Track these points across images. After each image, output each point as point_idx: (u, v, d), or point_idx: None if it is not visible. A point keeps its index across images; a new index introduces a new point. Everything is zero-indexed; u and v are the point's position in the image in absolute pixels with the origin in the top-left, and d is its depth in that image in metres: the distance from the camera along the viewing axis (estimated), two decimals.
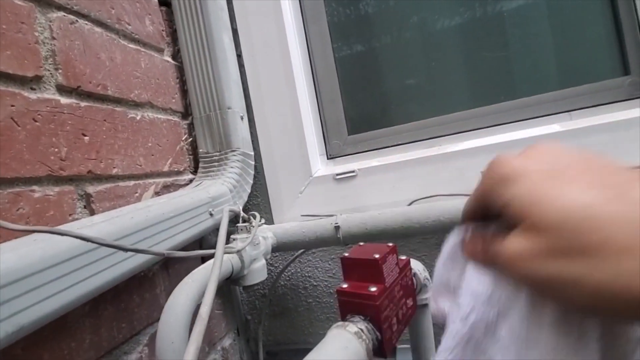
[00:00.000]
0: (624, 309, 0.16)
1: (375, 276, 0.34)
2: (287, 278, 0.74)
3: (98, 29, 0.53)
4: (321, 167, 0.73)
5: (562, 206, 0.17)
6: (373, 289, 0.33)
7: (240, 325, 0.76)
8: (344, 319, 0.35)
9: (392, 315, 0.35)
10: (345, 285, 0.35)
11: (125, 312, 0.49)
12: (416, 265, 0.45)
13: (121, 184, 0.52)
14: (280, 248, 0.64)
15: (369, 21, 0.75)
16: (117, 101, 0.55)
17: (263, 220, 0.70)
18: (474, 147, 0.61)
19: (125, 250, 0.29)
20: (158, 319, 0.40)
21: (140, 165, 0.56)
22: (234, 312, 0.75)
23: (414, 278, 0.43)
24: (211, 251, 0.36)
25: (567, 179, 0.18)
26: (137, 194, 0.55)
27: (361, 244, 0.40)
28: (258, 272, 0.55)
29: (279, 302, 0.75)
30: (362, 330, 0.31)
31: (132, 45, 0.59)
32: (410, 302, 0.40)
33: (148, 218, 0.41)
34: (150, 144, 0.59)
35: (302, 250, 0.69)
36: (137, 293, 0.52)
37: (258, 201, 0.74)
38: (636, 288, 0.15)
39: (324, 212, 0.66)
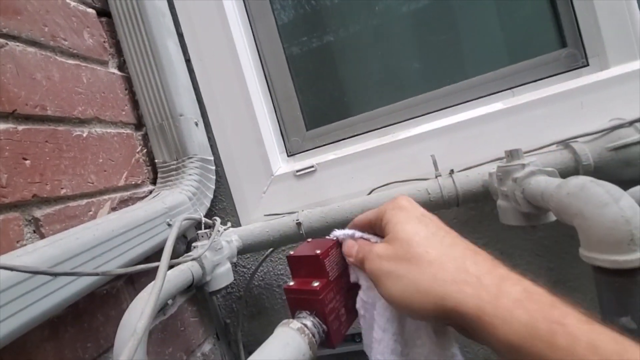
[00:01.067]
0: (426, 307, 0.24)
1: (319, 271, 0.35)
2: (261, 278, 0.74)
3: (31, 49, 0.52)
4: (282, 165, 0.73)
5: (407, 230, 0.27)
6: (316, 284, 0.34)
7: (219, 329, 0.77)
8: (293, 316, 0.36)
9: (339, 306, 0.36)
10: (291, 283, 0.36)
11: (89, 332, 0.49)
12: None
13: (72, 204, 0.52)
14: (247, 250, 0.65)
15: (317, 16, 0.75)
16: (59, 120, 0.53)
17: (229, 224, 0.70)
18: (425, 132, 0.63)
19: (55, 275, 0.29)
20: None
21: (92, 183, 0.56)
22: (212, 317, 0.75)
23: None
24: (155, 264, 0.36)
25: (422, 221, 0.28)
26: (91, 212, 0.54)
27: (309, 240, 0.41)
28: (223, 276, 0.55)
29: (256, 303, 0.76)
30: (305, 325, 0.32)
31: (70, 61, 0.58)
32: None
33: (95, 237, 0.41)
34: (101, 160, 0.58)
35: (271, 249, 0.69)
36: (100, 312, 0.52)
37: (224, 205, 0.74)
38: (433, 292, 0.23)
39: (288, 210, 0.67)
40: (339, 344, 0.35)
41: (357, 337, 0.70)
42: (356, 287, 0.40)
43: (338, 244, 0.38)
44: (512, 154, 0.44)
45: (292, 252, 0.38)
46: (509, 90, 0.63)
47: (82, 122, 0.57)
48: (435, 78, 0.69)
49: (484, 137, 0.60)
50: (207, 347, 0.72)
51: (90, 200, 0.55)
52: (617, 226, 0.26)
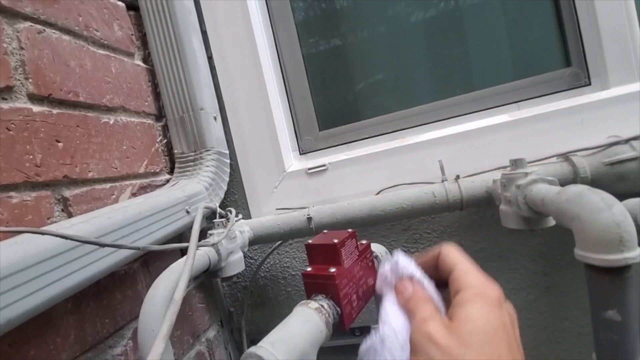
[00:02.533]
0: None
1: (335, 259, 0.38)
2: (267, 269, 0.77)
3: (66, 37, 0.55)
4: (294, 162, 0.76)
5: (474, 331, 0.25)
6: (332, 270, 0.37)
7: (223, 317, 0.79)
8: (309, 298, 0.39)
9: (351, 292, 0.39)
10: (309, 269, 0.39)
11: (108, 309, 0.52)
12: (378, 249, 0.49)
13: (97, 186, 0.54)
14: (257, 241, 0.68)
15: (335, 19, 0.79)
16: (90, 107, 0.56)
17: (240, 216, 0.73)
18: (434, 138, 0.66)
19: (103, 245, 0.32)
20: None
21: (116, 168, 0.58)
22: (217, 305, 0.78)
23: (375, 260, 0.48)
24: (186, 244, 0.39)
25: (494, 322, 0.26)
26: (113, 196, 0.57)
27: (325, 231, 0.44)
28: (235, 264, 0.58)
29: (260, 293, 0.78)
30: (322, 306, 0.35)
31: (101, 51, 0.60)
32: (371, 281, 0.44)
33: (125, 217, 0.44)
34: (125, 147, 0.61)
35: (279, 242, 0.72)
36: (118, 290, 0.54)
37: (236, 197, 0.77)
38: None
39: (298, 205, 0.70)
40: (349, 326, 0.38)
41: (356, 331, 0.73)
42: (367, 276, 0.43)
43: (353, 235, 0.41)
44: (516, 163, 0.47)
45: (310, 241, 0.41)
46: (514, 104, 0.67)
47: (109, 109, 0.60)
48: (445, 88, 0.73)
49: (490, 146, 0.63)
50: (211, 333, 0.74)
51: (113, 184, 0.57)
52: (609, 229, 0.29)
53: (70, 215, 0.49)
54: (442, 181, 0.59)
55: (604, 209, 0.30)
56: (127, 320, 0.55)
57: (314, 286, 0.39)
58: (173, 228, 0.53)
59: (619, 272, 0.29)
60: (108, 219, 0.42)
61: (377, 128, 0.74)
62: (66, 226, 0.39)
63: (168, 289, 0.42)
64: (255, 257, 0.78)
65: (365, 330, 0.73)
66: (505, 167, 0.55)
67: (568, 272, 0.64)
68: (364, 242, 0.45)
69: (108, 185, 0.56)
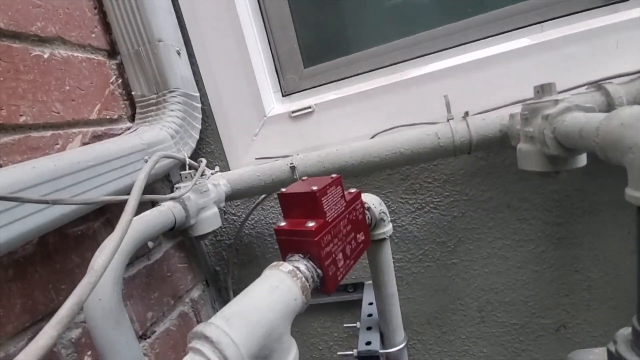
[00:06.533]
0: None
1: (315, 211, 0.31)
2: (252, 226, 0.71)
3: None
4: (275, 105, 0.66)
5: None
6: (311, 224, 0.30)
7: (209, 276, 0.75)
8: (284, 259, 0.31)
9: (336, 251, 0.32)
10: (283, 224, 0.32)
11: (63, 273, 0.45)
12: (371, 199, 0.42)
13: (34, 134, 0.45)
14: (236, 195, 0.60)
15: None
16: (14, 36, 0.45)
17: (217, 169, 0.65)
18: (438, 70, 0.56)
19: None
20: None
21: (58, 113, 0.49)
22: (200, 264, 0.72)
23: (367, 212, 0.40)
24: (123, 197, 0.31)
25: None
26: (58, 146, 0.48)
27: (304, 178, 0.36)
28: (208, 220, 0.51)
29: (246, 251, 0.73)
30: (297, 268, 0.28)
31: None
32: (361, 236, 0.37)
33: (57, 167, 0.36)
34: (68, 88, 0.51)
35: (263, 196, 0.65)
36: (74, 253, 0.47)
37: (212, 148, 0.68)
38: None
39: (282, 154, 0.61)
40: (334, 290, 0.31)
41: (349, 287, 0.68)
42: (357, 230, 0.36)
43: (339, 181, 0.33)
44: (543, 89, 0.38)
45: (284, 189, 0.33)
46: (537, 25, 0.55)
47: (42, 40, 0.49)
48: (454, 9, 0.60)
49: (506, 77, 0.53)
50: (196, 293, 0.70)
51: (56, 132, 0.48)
52: None
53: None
54: (448, 120, 0.50)
55: None
56: None
57: (290, 244, 0.31)
58: (127, 182, 0.44)
59: None
60: (32, 169, 0.33)
61: (372, 62, 0.63)
62: None
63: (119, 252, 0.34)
64: (239, 214, 0.71)
65: (358, 287, 0.69)
66: (524, 101, 0.45)
67: (584, 221, 0.57)
68: (352, 190, 0.38)
69: (49, 133, 0.47)
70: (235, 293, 0.75)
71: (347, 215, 0.34)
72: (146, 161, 0.48)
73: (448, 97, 0.51)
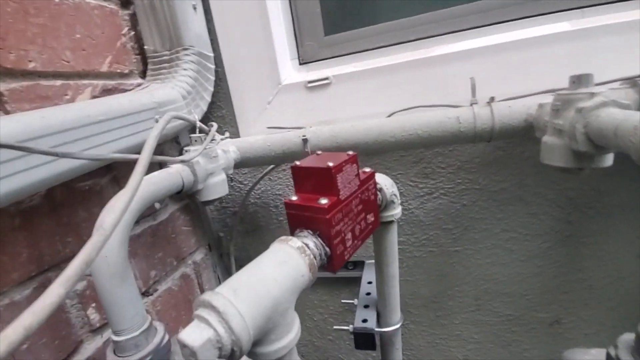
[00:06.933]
0: None
1: (328, 187, 0.30)
2: (257, 196, 0.70)
3: None
4: (292, 73, 0.63)
5: None
6: (324, 201, 0.29)
7: (212, 241, 0.75)
8: (292, 234, 0.31)
9: (346, 230, 0.31)
10: (294, 198, 0.31)
11: (70, 226, 0.46)
12: (383, 180, 0.41)
13: (43, 82, 0.44)
14: (245, 163, 0.59)
15: None
16: None
17: (227, 134, 0.63)
18: (467, 50, 0.53)
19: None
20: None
21: (68, 62, 0.47)
22: (204, 229, 0.73)
23: (379, 193, 0.39)
24: (134, 156, 0.30)
25: None
26: (67, 97, 0.46)
27: (319, 152, 0.35)
28: (216, 186, 0.50)
29: (251, 220, 0.73)
30: (306, 245, 0.27)
31: None
32: (371, 217, 0.36)
33: (66, 119, 0.35)
34: (78, 35, 0.49)
35: (271, 167, 0.64)
36: (82, 207, 0.47)
37: (223, 113, 0.66)
38: None
39: (294, 125, 0.59)
40: (338, 269, 0.31)
41: (350, 265, 0.69)
42: (367, 211, 0.35)
43: (355, 159, 0.32)
44: (580, 80, 0.35)
45: (298, 162, 0.32)
46: (579, 10, 0.51)
47: None
48: None
49: (538, 63, 0.50)
50: (198, 256, 0.71)
51: (66, 82, 0.47)
52: None
53: (7, 114, 0.40)
54: (471, 104, 0.48)
55: None
56: None
57: (300, 219, 0.31)
58: (136, 140, 0.43)
59: None
60: (41, 119, 0.32)
61: (397, 34, 0.59)
62: None
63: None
64: (245, 182, 0.70)
65: (358, 265, 0.69)
66: (556, 91, 0.43)
67: (595, 221, 0.56)
68: (367, 169, 0.36)
69: (58, 83, 0.46)
70: (237, 260, 0.76)
71: (359, 195, 0.33)
72: (157, 121, 0.47)
73: (474, 79, 0.48)
